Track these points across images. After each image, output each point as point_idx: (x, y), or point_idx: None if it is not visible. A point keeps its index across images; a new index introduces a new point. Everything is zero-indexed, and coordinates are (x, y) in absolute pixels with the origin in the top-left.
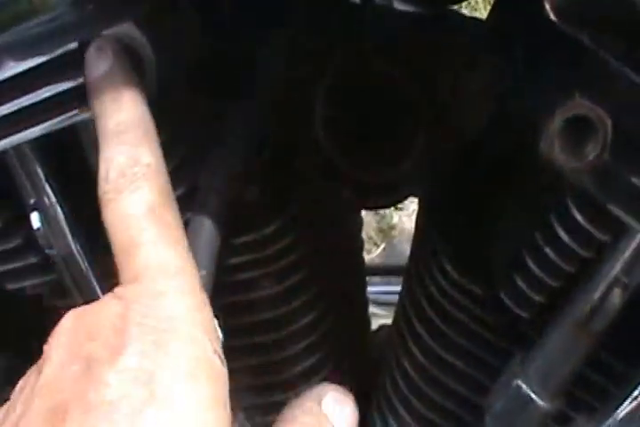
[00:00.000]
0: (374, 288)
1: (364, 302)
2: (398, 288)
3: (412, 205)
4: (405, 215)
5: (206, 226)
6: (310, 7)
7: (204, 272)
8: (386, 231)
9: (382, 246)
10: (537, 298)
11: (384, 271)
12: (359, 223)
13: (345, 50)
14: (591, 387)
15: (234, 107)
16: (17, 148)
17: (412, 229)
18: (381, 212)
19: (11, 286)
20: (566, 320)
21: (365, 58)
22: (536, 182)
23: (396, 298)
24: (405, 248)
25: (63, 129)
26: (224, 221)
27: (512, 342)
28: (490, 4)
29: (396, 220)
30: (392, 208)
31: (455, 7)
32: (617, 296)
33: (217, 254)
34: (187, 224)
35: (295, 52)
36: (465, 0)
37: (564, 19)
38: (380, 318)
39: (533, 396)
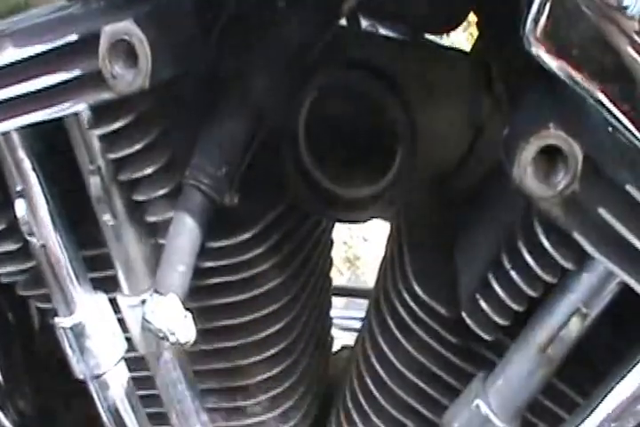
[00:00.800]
0: (337, 312)
1: (329, 320)
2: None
3: (378, 236)
4: (372, 247)
5: (188, 223)
6: (302, 24)
7: (183, 268)
8: (352, 261)
9: (347, 276)
10: (499, 321)
11: (347, 293)
12: (330, 243)
13: (329, 67)
14: (545, 413)
15: (222, 109)
16: (6, 135)
17: (377, 261)
18: (348, 242)
19: None
20: (527, 345)
21: (348, 75)
22: (505, 208)
23: (356, 324)
24: (369, 279)
25: (53, 120)
26: (206, 219)
27: (473, 364)
28: None
29: (362, 251)
30: (359, 239)
31: None
32: (576, 325)
33: (196, 251)
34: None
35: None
36: (449, 32)
37: (546, 52)
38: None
39: (492, 416)
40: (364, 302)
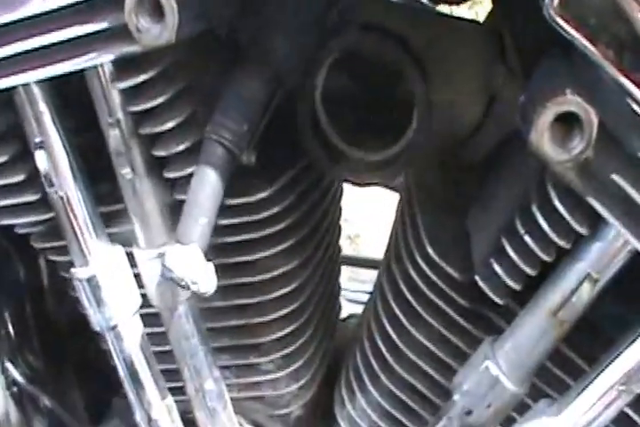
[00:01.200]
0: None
1: (337, 286)
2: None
3: (378, 214)
4: (372, 224)
5: (210, 177)
6: None
7: (204, 220)
8: (352, 239)
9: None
10: (512, 284)
11: (350, 262)
12: (340, 210)
13: (346, 30)
14: (552, 379)
15: (243, 69)
16: (26, 87)
17: (376, 238)
18: (349, 219)
19: (5, 222)
20: (537, 308)
21: (365, 38)
22: (518, 174)
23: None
24: (367, 256)
25: (75, 71)
26: (227, 174)
27: (483, 328)
28: None
29: (362, 228)
30: (359, 217)
31: None
32: (587, 290)
33: (218, 204)
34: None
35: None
36: (460, 3)
37: (565, 20)
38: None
39: (502, 377)
40: (367, 275)
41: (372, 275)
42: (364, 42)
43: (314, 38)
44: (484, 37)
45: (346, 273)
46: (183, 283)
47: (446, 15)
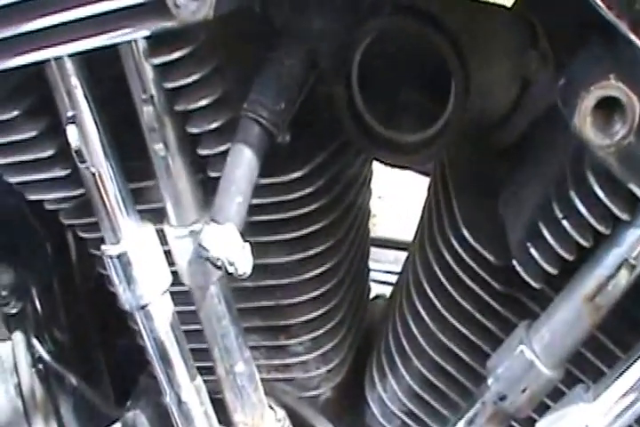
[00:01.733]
0: None
1: (367, 268)
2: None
3: (393, 194)
4: (387, 204)
5: (246, 155)
6: None
7: (240, 198)
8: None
9: None
10: (549, 269)
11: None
12: (370, 193)
13: (383, 12)
14: (586, 365)
15: (280, 48)
16: (58, 61)
17: (392, 219)
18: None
19: (34, 197)
20: (573, 294)
21: (402, 20)
22: (553, 158)
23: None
24: (385, 236)
25: (110, 46)
26: (262, 152)
27: (517, 313)
28: None
29: (377, 209)
30: (374, 197)
31: None
32: (624, 276)
33: (253, 183)
34: (224, 155)
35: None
36: None
37: (608, 5)
38: None
39: (536, 362)
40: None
41: (388, 254)
42: (400, 23)
43: (350, 18)
44: (515, 23)
45: None
46: (219, 263)
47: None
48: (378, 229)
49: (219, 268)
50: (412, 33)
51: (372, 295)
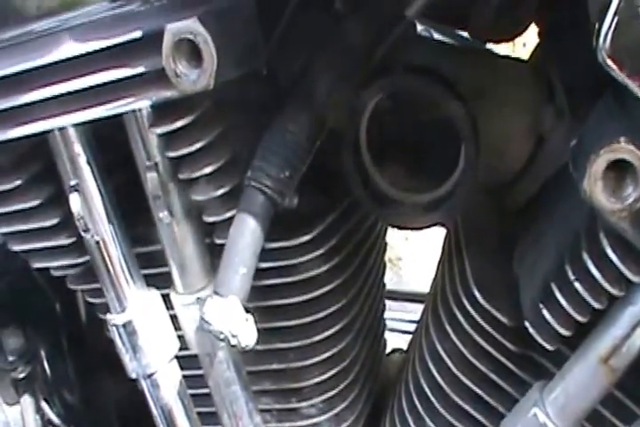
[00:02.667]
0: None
1: (382, 323)
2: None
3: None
4: (414, 247)
5: (250, 225)
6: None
7: (244, 270)
8: (393, 262)
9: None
10: (562, 331)
11: (396, 297)
12: (384, 246)
13: (390, 72)
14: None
15: (286, 113)
16: (62, 129)
17: (419, 262)
18: (390, 243)
19: (39, 265)
20: (588, 355)
21: (410, 80)
22: (567, 217)
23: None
24: (412, 279)
25: (113, 116)
26: (267, 221)
27: (531, 373)
28: None
29: (403, 251)
30: (401, 239)
31: None
32: (639, 336)
33: (258, 253)
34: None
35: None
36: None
37: (618, 65)
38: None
39: (549, 425)
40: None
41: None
42: (408, 83)
43: (358, 79)
44: (531, 77)
45: None
46: (222, 336)
47: (492, 54)
48: (404, 272)
49: (222, 340)
50: (421, 93)
51: (389, 349)
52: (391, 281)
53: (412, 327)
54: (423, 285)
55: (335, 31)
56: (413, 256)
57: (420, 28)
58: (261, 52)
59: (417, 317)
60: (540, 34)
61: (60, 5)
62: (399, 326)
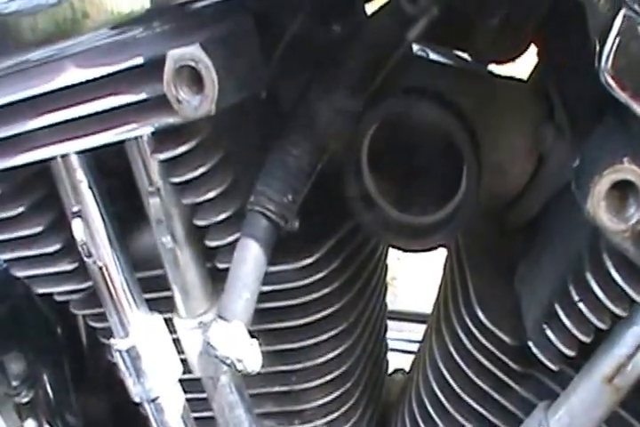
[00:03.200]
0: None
1: (385, 344)
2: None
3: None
4: (406, 267)
5: (253, 250)
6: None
7: (248, 294)
8: (388, 281)
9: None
10: (566, 351)
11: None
12: (386, 268)
13: (391, 95)
14: None
15: (287, 137)
16: (64, 155)
17: (412, 281)
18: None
19: (42, 291)
20: (592, 375)
21: (410, 103)
22: (569, 237)
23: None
24: (407, 299)
25: (115, 143)
26: (270, 245)
27: (535, 392)
28: None
29: (397, 271)
30: (393, 259)
31: None
32: None
33: (261, 278)
34: (233, 246)
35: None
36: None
37: (620, 86)
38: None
39: None
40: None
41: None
42: (409, 106)
43: (358, 103)
44: (531, 97)
45: None
46: (228, 361)
47: (491, 74)
48: (399, 291)
49: (228, 365)
50: (421, 116)
51: (393, 369)
52: (387, 300)
53: (409, 346)
54: (419, 304)
55: (334, 54)
56: (407, 276)
57: (415, 47)
58: (262, 76)
59: (412, 335)
60: (539, 53)
61: (55, 28)
62: (395, 345)
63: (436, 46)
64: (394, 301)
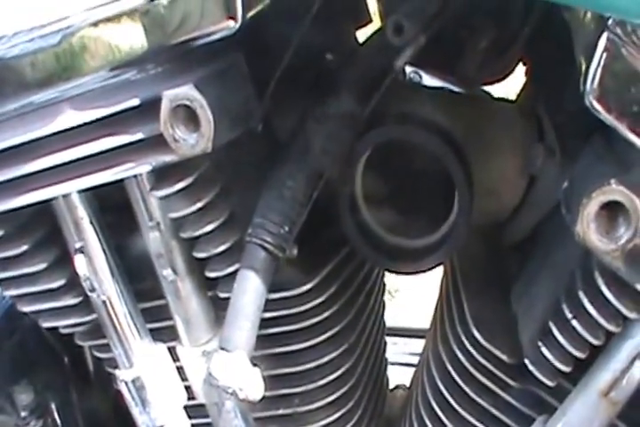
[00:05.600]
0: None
1: (385, 361)
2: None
3: None
4: (409, 279)
5: (253, 281)
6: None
7: (249, 325)
8: (391, 293)
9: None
10: (561, 367)
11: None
12: (383, 286)
13: (382, 122)
14: None
15: (282, 169)
16: (65, 194)
17: (415, 293)
18: (386, 275)
19: (47, 325)
20: (588, 389)
21: (402, 130)
22: (561, 255)
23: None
24: (408, 311)
25: (110, 183)
26: (269, 276)
27: (534, 408)
28: None
29: (399, 284)
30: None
31: None
32: (638, 369)
33: (261, 307)
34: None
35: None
36: (496, 82)
37: (606, 109)
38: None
39: None
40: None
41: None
42: (400, 133)
43: (352, 130)
44: (521, 117)
45: None
46: (230, 391)
47: (481, 97)
48: (401, 302)
49: (230, 394)
50: (413, 142)
51: (394, 385)
52: (392, 313)
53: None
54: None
55: (328, 82)
56: (409, 288)
57: (409, 69)
58: (256, 110)
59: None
60: (527, 73)
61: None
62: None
63: (425, 71)
64: (397, 313)
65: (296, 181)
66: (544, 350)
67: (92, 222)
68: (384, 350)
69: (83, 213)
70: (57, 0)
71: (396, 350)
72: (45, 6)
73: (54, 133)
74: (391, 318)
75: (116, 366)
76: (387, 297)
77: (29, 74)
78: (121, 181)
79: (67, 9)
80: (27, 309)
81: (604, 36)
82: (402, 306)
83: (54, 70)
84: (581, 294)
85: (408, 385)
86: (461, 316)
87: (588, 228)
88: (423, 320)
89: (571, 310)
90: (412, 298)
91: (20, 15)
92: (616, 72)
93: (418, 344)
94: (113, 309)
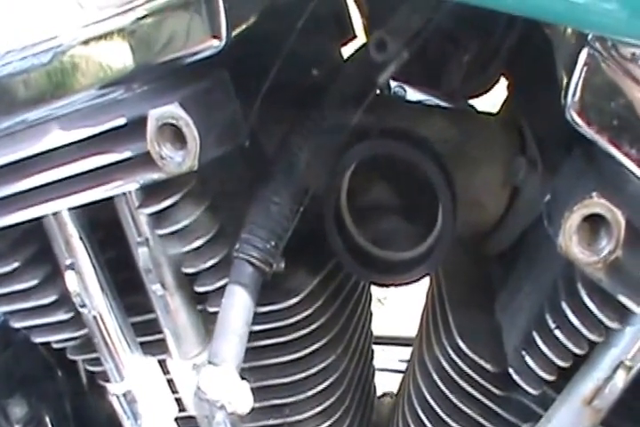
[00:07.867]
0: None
1: (372, 370)
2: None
3: None
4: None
5: (240, 296)
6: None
7: (237, 339)
8: (380, 301)
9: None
10: (545, 376)
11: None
12: (370, 297)
13: (366, 137)
14: None
15: (268, 185)
16: (55, 212)
17: (402, 301)
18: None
19: (39, 340)
20: (572, 397)
21: (386, 144)
22: (544, 266)
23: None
24: (395, 320)
25: (98, 201)
26: (257, 290)
27: (519, 416)
28: None
29: (388, 291)
30: None
31: None
32: (621, 377)
33: (249, 321)
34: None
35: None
36: (479, 96)
37: (587, 123)
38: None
39: None
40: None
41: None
42: (385, 147)
43: (336, 145)
44: (503, 130)
45: None
46: (219, 404)
47: (464, 110)
48: (389, 309)
49: (219, 408)
50: (397, 156)
51: (381, 393)
52: (381, 320)
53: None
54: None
55: (314, 97)
56: (398, 295)
57: (394, 84)
58: (242, 127)
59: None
60: (509, 86)
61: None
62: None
63: (409, 86)
64: (385, 320)
65: (282, 197)
66: (528, 359)
67: (81, 239)
68: (371, 359)
69: (73, 231)
70: (48, 19)
71: (385, 356)
72: (37, 25)
73: (44, 152)
74: (380, 326)
75: (109, 380)
76: (376, 305)
77: (22, 92)
78: (110, 198)
79: (57, 28)
80: (19, 324)
81: (585, 51)
82: (391, 314)
83: (46, 88)
84: (564, 305)
85: (395, 392)
86: (446, 325)
87: (570, 240)
88: (413, 328)
89: (554, 319)
90: (401, 306)
91: (12, 34)
92: (596, 86)
93: (406, 351)
94: (104, 323)
